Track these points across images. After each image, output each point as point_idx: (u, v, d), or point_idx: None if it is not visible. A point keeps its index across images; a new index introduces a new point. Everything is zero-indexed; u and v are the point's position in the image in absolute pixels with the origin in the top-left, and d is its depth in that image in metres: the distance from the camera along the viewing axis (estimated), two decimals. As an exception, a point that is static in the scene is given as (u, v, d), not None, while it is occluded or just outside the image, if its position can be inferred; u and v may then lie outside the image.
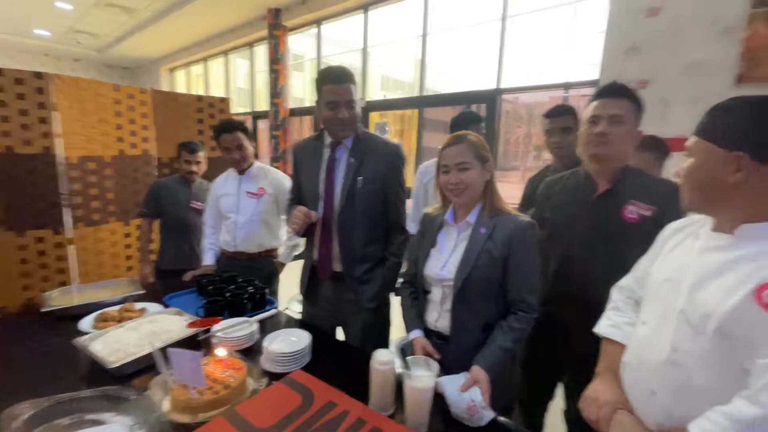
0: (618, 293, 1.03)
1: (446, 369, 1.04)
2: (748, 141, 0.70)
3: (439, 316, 1.17)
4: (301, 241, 1.75)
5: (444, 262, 1.15)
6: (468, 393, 0.93)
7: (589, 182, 1.26)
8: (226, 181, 2.02)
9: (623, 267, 1.09)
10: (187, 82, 9.56)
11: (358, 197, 1.43)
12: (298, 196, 1.60)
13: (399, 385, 0.95)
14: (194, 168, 2.26)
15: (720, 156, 0.73)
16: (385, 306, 1.56)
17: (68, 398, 0.89)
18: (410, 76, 4.83)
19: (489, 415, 0.92)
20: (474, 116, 2.13)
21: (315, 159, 1.50)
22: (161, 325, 1.26)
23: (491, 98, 3.96)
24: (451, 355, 1.12)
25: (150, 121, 2.65)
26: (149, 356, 1.09)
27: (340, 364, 1.21)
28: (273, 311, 1.44)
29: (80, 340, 1.15)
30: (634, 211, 1.17)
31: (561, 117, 1.74)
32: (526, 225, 1.10)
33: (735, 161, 0.71)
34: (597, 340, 1.03)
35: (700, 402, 0.71)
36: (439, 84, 4.69)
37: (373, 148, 1.46)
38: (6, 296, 2.11)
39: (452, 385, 0.97)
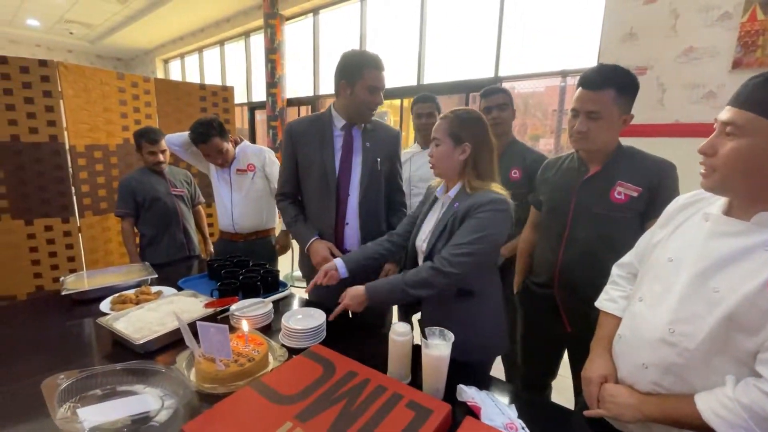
0: (618, 269, 1.04)
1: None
2: None
3: None
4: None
5: (424, 234, 1.23)
6: (504, 413, 0.88)
7: (581, 165, 1.28)
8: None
9: (613, 248, 1.10)
10: (182, 73, 9.46)
11: (378, 178, 1.52)
12: (294, 182, 1.57)
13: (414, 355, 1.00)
14: (161, 157, 2.08)
15: None
16: None
17: (100, 371, 0.93)
18: (408, 66, 4.83)
19: None
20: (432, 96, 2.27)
21: (324, 140, 1.48)
22: (180, 305, 1.31)
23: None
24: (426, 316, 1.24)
25: (153, 110, 2.65)
26: (171, 333, 1.14)
27: (353, 339, 1.25)
28: (287, 292, 1.48)
29: (104, 320, 1.19)
30: (622, 191, 1.17)
31: (494, 95, 1.87)
32: (493, 198, 1.08)
33: None
34: (587, 318, 1.05)
35: (690, 378, 0.74)
36: (436, 75, 4.70)
37: (380, 132, 1.54)
38: (16, 284, 2.13)
39: (488, 402, 0.92)
